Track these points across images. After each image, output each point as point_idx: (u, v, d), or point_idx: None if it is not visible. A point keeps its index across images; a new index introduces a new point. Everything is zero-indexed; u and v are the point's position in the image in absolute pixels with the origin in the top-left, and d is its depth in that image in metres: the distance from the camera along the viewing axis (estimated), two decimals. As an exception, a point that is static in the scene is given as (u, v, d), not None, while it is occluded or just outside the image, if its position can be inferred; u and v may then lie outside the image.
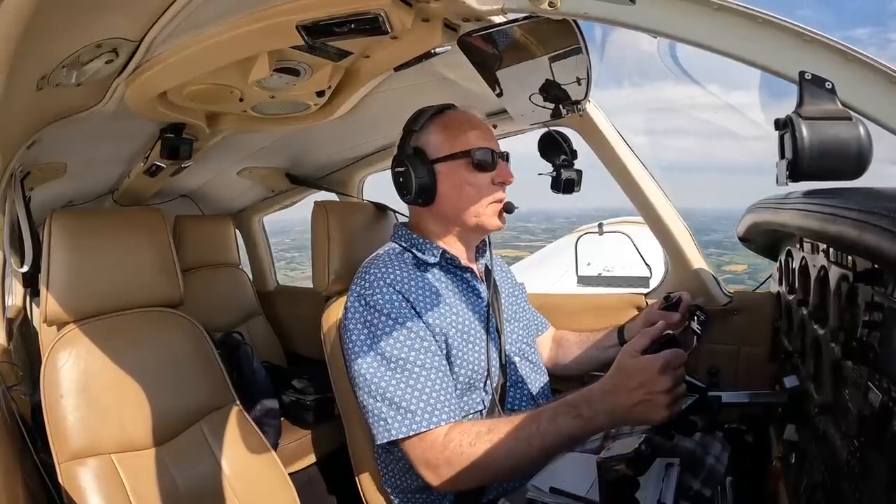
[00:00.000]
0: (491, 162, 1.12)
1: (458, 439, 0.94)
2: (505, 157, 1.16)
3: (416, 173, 1.12)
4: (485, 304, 1.17)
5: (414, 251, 1.16)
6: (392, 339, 1.01)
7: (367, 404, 1.02)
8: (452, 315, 1.10)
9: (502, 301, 1.25)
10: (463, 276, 1.19)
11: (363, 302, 1.05)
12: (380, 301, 1.04)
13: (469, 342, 1.10)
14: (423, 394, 0.99)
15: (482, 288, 1.21)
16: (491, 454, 0.91)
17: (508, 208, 1.16)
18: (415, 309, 1.05)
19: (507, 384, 1.15)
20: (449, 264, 1.17)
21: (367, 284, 1.07)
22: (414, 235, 1.18)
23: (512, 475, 0.96)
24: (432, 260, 1.15)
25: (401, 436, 0.97)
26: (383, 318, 1.02)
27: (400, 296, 1.05)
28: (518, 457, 0.89)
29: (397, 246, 1.19)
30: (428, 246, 1.16)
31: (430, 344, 1.04)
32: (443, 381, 1.02)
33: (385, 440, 0.99)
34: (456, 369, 1.08)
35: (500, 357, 1.15)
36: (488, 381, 1.12)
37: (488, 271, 1.23)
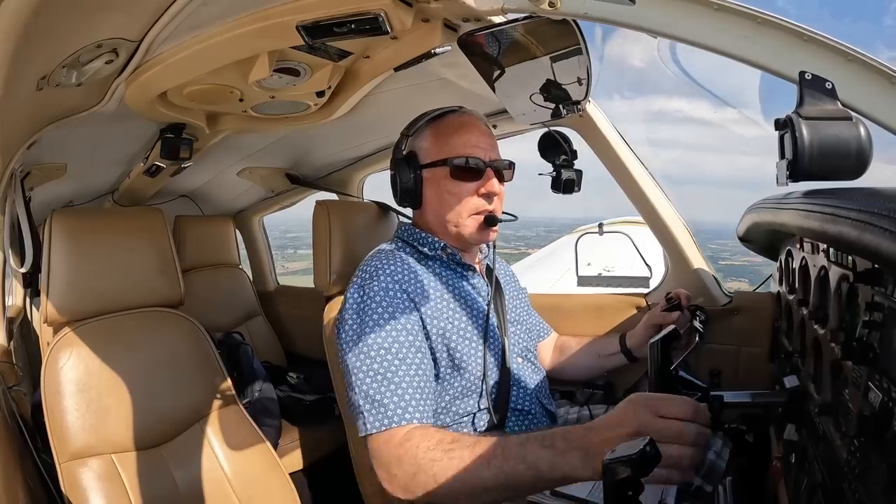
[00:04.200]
0: (475, 170, 1.09)
1: (416, 441, 0.89)
2: (502, 165, 1.13)
3: (402, 178, 1.13)
4: (486, 302, 1.16)
5: (416, 245, 1.16)
6: (379, 327, 0.99)
7: (350, 398, 1.00)
8: (450, 311, 1.09)
9: (506, 302, 1.24)
10: (464, 274, 1.18)
11: (361, 292, 1.04)
12: (376, 290, 1.03)
13: (469, 340, 1.09)
14: (400, 388, 0.96)
15: (484, 286, 1.20)
16: (444, 466, 0.84)
17: (490, 221, 1.12)
18: (413, 301, 1.04)
19: (511, 384, 1.14)
20: (450, 259, 1.16)
21: (366, 276, 1.06)
22: (416, 230, 1.18)
23: (464, 499, 0.86)
24: (433, 253, 1.14)
25: (374, 430, 0.94)
26: (376, 308, 1.01)
27: (397, 286, 1.04)
28: (470, 478, 0.81)
29: (399, 241, 1.19)
30: (429, 240, 1.15)
31: (416, 340, 1.02)
32: (421, 380, 0.99)
33: (363, 434, 0.96)
34: (454, 371, 1.07)
35: (504, 358, 1.14)
36: (486, 382, 1.10)
37: (490, 270, 1.23)
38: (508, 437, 0.82)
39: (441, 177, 1.11)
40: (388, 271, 1.06)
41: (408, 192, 1.13)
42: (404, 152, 1.15)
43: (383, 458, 0.92)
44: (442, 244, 1.15)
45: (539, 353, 1.40)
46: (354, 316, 1.03)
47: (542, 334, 1.44)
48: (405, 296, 1.04)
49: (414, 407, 0.95)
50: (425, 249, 1.15)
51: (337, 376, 1.29)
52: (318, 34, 0.83)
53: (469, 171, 1.10)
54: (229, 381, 1.36)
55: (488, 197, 1.11)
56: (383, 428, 0.93)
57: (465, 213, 1.11)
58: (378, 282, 1.04)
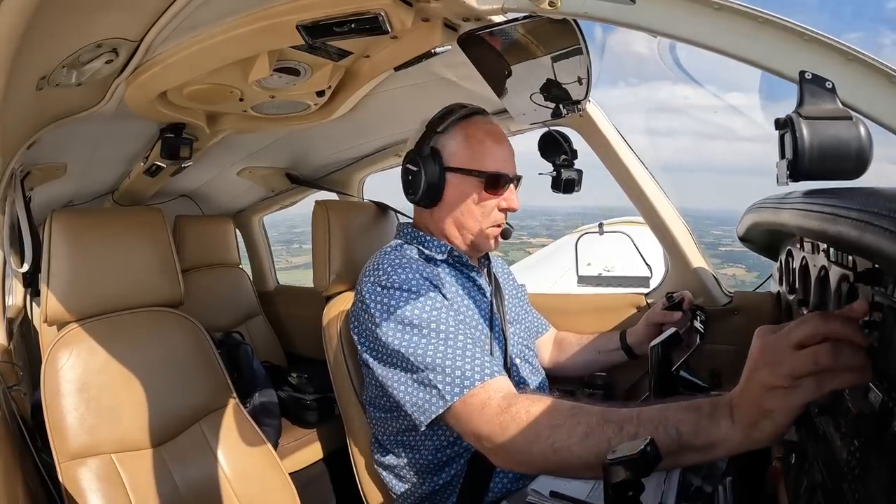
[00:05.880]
0: (503, 186, 1.11)
1: (523, 405, 0.80)
2: (517, 181, 1.15)
3: (428, 176, 1.10)
4: (489, 304, 1.16)
5: (421, 247, 1.15)
6: (418, 309, 0.98)
7: (407, 383, 0.94)
8: (460, 315, 1.07)
9: (505, 302, 1.24)
10: (469, 275, 1.18)
11: (380, 286, 1.02)
12: (398, 280, 1.02)
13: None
14: (467, 352, 0.91)
15: (487, 286, 1.20)
16: (567, 432, 0.73)
17: (505, 234, 1.16)
18: (437, 287, 1.03)
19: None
20: (456, 262, 1.16)
21: (381, 272, 1.04)
22: (420, 233, 1.17)
23: (589, 472, 0.74)
24: (439, 256, 1.14)
25: (456, 399, 0.87)
26: (405, 294, 1.00)
27: (419, 274, 1.03)
28: (598, 445, 0.70)
29: (403, 242, 1.18)
30: (435, 243, 1.15)
31: (457, 313, 1.00)
32: (481, 342, 0.96)
33: (440, 410, 0.89)
34: None
35: (505, 359, 1.14)
36: None
37: (490, 272, 1.23)
38: (637, 407, 0.72)
39: (472, 186, 1.10)
40: (402, 263, 1.05)
41: (431, 191, 1.11)
42: (430, 147, 1.11)
43: (483, 429, 0.83)
44: (448, 248, 1.14)
45: (538, 348, 1.40)
46: (382, 308, 1.00)
47: (540, 330, 1.44)
48: (428, 282, 1.03)
49: (490, 364, 0.90)
50: (431, 252, 1.14)
51: (337, 376, 1.29)
52: (319, 34, 0.83)
53: (500, 187, 1.11)
54: (229, 382, 1.36)
55: (505, 211, 1.14)
56: (465, 391, 0.87)
57: (486, 225, 1.13)
58: (396, 273, 1.03)
